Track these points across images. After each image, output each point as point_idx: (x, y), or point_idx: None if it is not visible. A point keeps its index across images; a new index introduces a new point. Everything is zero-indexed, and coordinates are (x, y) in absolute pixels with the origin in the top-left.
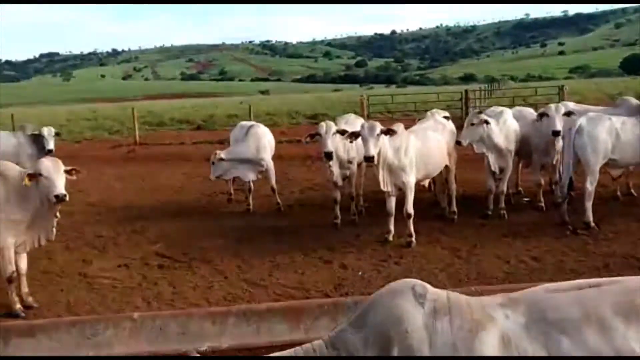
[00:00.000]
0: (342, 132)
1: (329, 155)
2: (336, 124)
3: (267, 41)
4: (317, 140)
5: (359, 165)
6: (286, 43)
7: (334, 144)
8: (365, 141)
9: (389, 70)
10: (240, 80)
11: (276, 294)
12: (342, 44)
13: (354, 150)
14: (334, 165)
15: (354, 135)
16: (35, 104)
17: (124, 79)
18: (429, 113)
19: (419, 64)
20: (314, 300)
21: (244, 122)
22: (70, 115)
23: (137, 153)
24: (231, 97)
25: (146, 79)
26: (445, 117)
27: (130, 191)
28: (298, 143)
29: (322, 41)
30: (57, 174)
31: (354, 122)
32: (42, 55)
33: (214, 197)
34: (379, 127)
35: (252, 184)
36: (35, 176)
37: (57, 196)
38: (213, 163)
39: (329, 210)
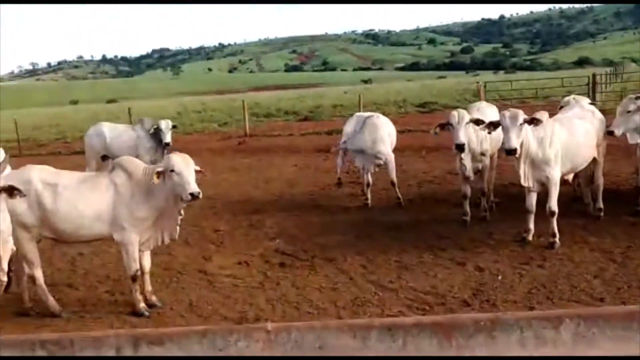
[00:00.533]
0: (477, 122)
1: (461, 147)
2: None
3: (370, 30)
4: (448, 130)
5: (491, 157)
6: (389, 31)
7: (467, 134)
8: (506, 132)
9: (496, 56)
10: (342, 70)
11: (408, 299)
12: (447, 31)
13: (487, 142)
14: (466, 158)
15: (493, 126)
16: (147, 97)
17: (229, 71)
18: (571, 99)
19: (529, 48)
20: (467, 315)
21: (360, 113)
22: (181, 108)
23: (248, 145)
24: (333, 87)
25: (251, 72)
26: (591, 104)
27: (243, 183)
28: (409, 133)
29: (426, 28)
30: (188, 171)
31: (486, 110)
32: (154, 51)
33: (327, 190)
34: (522, 115)
35: (370, 178)
36: (164, 173)
37: (192, 194)
38: (338, 152)
39: (453, 205)
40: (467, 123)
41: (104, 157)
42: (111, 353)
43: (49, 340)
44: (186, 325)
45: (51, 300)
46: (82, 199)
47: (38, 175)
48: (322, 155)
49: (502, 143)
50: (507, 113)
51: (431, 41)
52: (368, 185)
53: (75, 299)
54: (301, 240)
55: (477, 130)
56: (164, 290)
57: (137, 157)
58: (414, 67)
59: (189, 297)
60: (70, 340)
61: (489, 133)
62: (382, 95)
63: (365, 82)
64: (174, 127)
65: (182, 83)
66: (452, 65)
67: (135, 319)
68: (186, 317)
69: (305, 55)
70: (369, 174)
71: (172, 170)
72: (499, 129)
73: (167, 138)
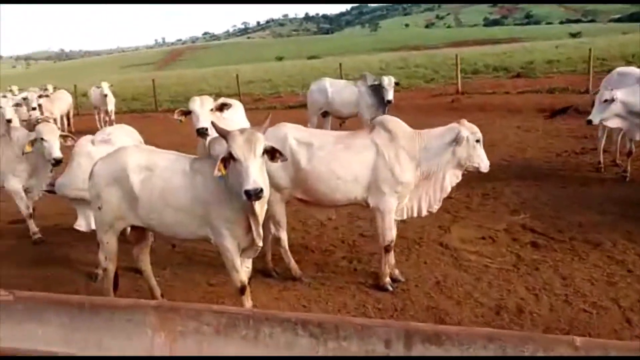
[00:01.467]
0: None
1: None
2: None
3: None
4: None
5: None
6: None
7: None
8: None
9: None
10: (547, 23)
11: None
12: None
13: None
14: None
15: None
16: (346, 53)
17: (426, 27)
18: None
19: None
20: None
21: (622, 69)
22: (382, 64)
23: (461, 103)
24: (540, 41)
25: (448, 27)
26: None
27: None
28: None
29: None
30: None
31: None
32: (352, 8)
33: (565, 157)
34: None
35: (633, 146)
36: (463, 140)
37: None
38: (606, 101)
39: None
40: None
41: (325, 114)
42: (379, 346)
43: (310, 321)
44: (436, 307)
45: (293, 264)
46: (338, 160)
47: (293, 133)
48: (547, 117)
49: None
50: None
51: None
52: (629, 154)
53: (312, 263)
54: (550, 217)
55: None
56: (404, 262)
57: (357, 114)
58: (633, 17)
59: (434, 273)
60: (335, 325)
61: None
62: (603, 49)
63: (574, 35)
64: (396, 84)
65: (379, 39)
66: None
67: (378, 293)
68: (435, 297)
69: (507, 9)
70: (632, 141)
71: (478, 141)
72: None
73: (389, 95)
